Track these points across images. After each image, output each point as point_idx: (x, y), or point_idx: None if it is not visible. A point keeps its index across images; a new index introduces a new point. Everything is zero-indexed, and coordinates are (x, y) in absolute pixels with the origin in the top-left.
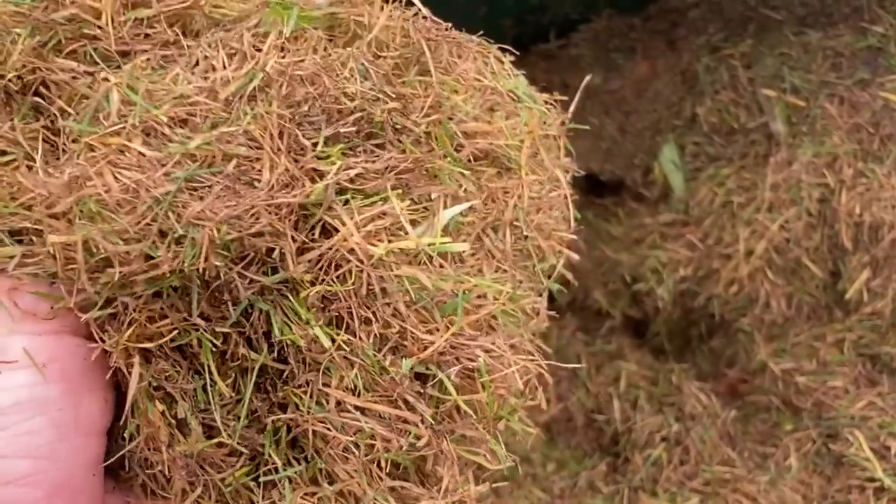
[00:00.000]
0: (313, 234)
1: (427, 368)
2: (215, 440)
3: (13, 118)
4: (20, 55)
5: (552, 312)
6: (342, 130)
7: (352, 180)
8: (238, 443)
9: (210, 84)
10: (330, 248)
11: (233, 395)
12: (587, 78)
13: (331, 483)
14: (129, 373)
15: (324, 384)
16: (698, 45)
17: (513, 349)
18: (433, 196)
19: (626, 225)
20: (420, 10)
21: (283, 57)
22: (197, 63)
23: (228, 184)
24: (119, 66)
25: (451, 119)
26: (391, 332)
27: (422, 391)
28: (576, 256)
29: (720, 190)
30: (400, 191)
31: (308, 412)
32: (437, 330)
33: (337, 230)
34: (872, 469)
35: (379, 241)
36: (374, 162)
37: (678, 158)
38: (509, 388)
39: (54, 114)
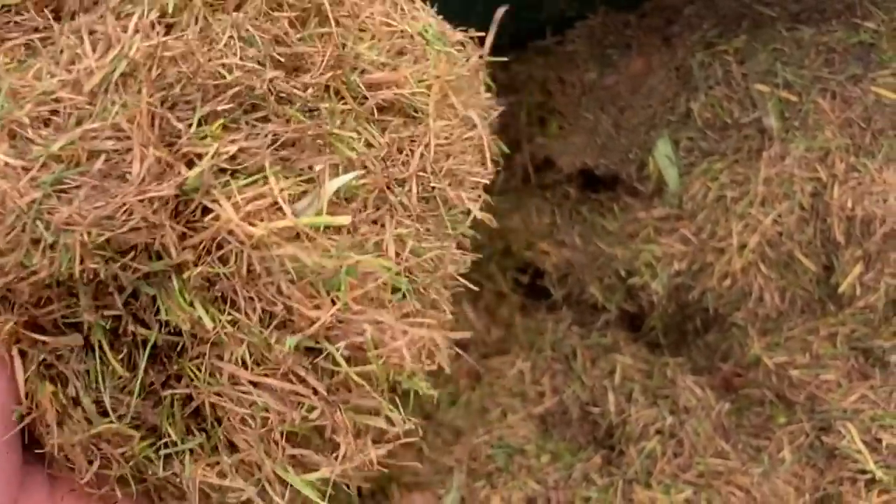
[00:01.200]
0: (194, 217)
1: (316, 343)
2: (106, 420)
3: None
4: None
5: (474, 256)
6: (220, 108)
7: (233, 157)
8: (133, 417)
9: (74, 76)
10: (209, 233)
11: (126, 372)
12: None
13: (231, 453)
14: (19, 355)
15: (216, 356)
16: (693, 42)
17: (406, 317)
18: (316, 168)
19: (621, 220)
20: None
21: (152, 37)
22: (62, 52)
23: (97, 182)
24: None
25: (354, 70)
26: (277, 310)
27: (312, 365)
28: (486, 211)
29: (714, 184)
30: (281, 166)
31: (205, 385)
32: (323, 306)
33: (216, 213)
34: (864, 461)
35: (260, 220)
36: (255, 137)
37: (672, 153)
38: (402, 357)
39: None
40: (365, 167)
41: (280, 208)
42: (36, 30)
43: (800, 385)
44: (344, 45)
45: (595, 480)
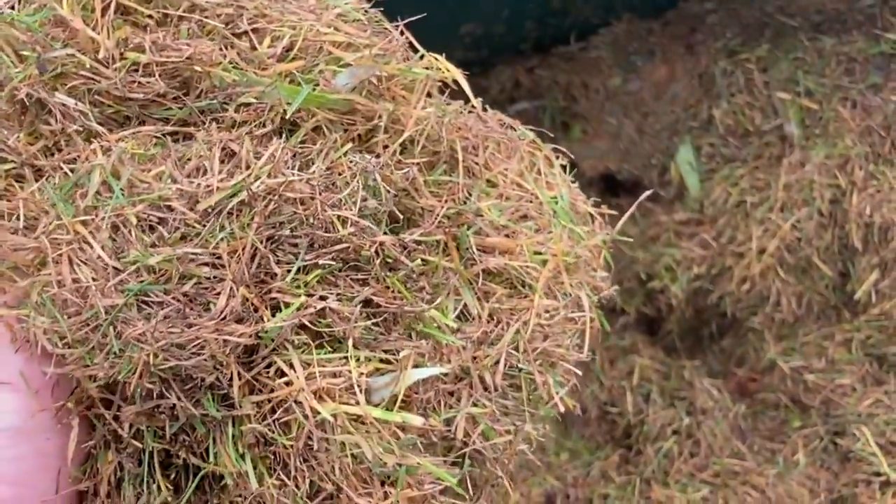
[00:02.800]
0: (267, 373)
1: None
2: None
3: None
4: (23, 82)
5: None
6: (322, 261)
7: (320, 315)
8: None
9: (193, 189)
10: (277, 395)
11: (170, 497)
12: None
13: None
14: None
15: None
16: (716, 50)
17: None
18: (402, 354)
19: (642, 224)
20: (472, 102)
21: (279, 171)
22: (189, 160)
23: (180, 306)
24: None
25: (469, 228)
26: (327, 487)
27: None
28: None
29: (734, 190)
30: (367, 337)
31: None
32: (374, 496)
33: (285, 374)
34: (878, 463)
35: (330, 397)
36: (349, 301)
37: (694, 159)
38: None
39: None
40: (452, 354)
41: (343, 393)
42: (172, 122)
43: (815, 389)
44: (467, 200)
45: (613, 478)
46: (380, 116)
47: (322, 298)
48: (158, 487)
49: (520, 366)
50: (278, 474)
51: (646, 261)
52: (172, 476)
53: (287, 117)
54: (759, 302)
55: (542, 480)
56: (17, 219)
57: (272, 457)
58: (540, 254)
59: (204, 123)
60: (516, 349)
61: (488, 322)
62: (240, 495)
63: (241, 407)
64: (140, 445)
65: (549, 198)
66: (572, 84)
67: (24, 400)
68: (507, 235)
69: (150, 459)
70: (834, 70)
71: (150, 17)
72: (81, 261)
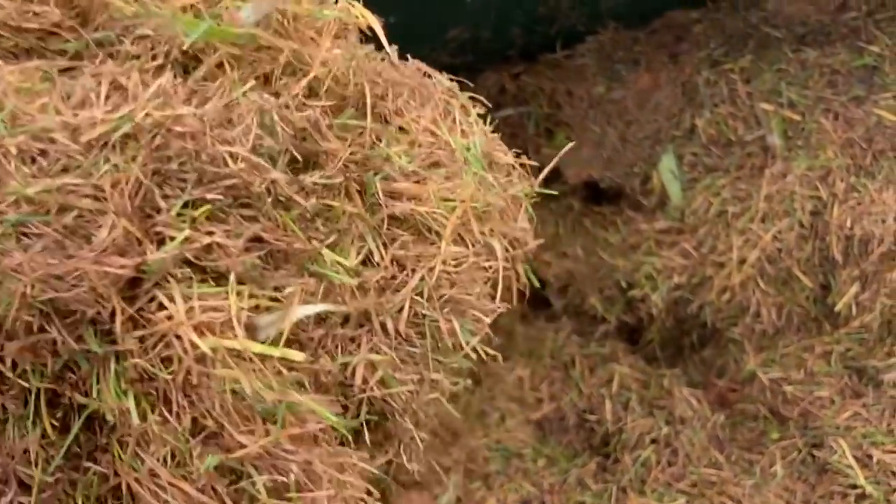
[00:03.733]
0: (148, 308)
1: (241, 465)
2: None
3: None
4: None
5: (467, 382)
6: (209, 196)
7: (206, 249)
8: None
9: (77, 121)
10: (158, 330)
11: (53, 436)
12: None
13: None
14: None
15: (141, 446)
16: (699, 60)
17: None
18: (287, 290)
19: (623, 232)
20: (386, 49)
21: (169, 104)
22: (75, 91)
23: (59, 237)
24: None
25: (377, 174)
26: (209, 423)
27: (232, 484)
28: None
29: (716, 199)
30: (254, 274)
31: (128, 467)
32: (256, 432)
33: (170, 312)
34: (855, 476)
35: (211, 331)
36: (236, 237)
37: (676, 168)
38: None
39: None
40: (351, 292)
41: (224, 328)
42: (62, 54)
43: (793, 401)
44: (375, 145)
45: (590, 486)
46: (296, 57)
47: (209, 234)
48: (44, 427)
49: (424, 312)
50: (160, 411)
51: (626, 269)
52: (60, 415)
53: (185, 50)
54: (740, 312)
55: (519, 486)
56: None
57: (154, 393)
58: (449, 200)
59: (98, 58)
60: (421, 296)
61: (393, 267)
62: (128, 434)
63: (123, 342)
64: (25, 385)
65: (462, 145)
66: (557, 91)
67: None
68: (416, 182)
69: (37, 400)
70: (817, 82)
71: None
72: None
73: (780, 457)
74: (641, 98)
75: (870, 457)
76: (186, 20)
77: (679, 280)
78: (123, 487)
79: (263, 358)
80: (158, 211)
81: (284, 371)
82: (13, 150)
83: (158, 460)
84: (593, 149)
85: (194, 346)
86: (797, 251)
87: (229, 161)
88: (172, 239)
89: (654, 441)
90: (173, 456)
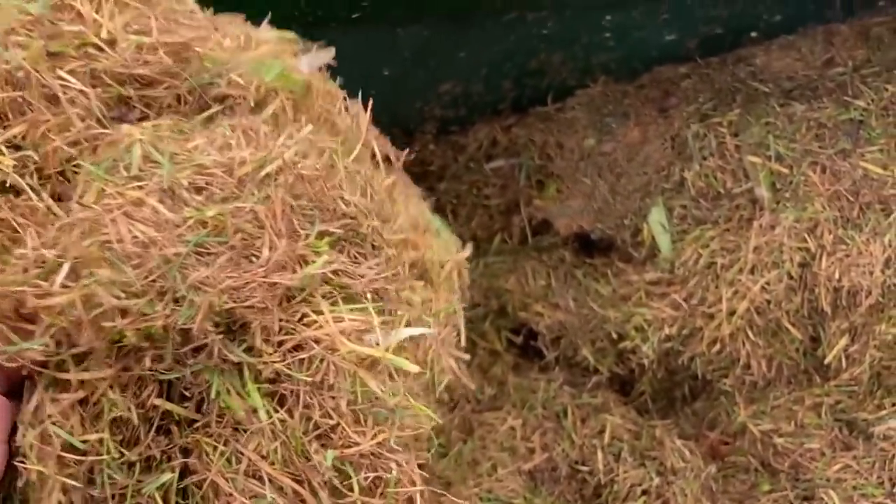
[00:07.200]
0: (294, 319)
1: (342, 464)
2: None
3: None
4: (26, 59)
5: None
6: (331, 229)
7: (335, 273)
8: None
9: (228, 160)
10: (307, 335)
11: (137, 421)
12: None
13: None
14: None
15: (242, 444)
16: (688, 113)
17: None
18: (399, 313)
19: (614, 283)
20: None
21: (294, 152)
22: (215, 139)
23: (233, 255)
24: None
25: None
26: (327, 423)
27: (332, 480)
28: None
29: (705, 251)
30: (380, 302)
31: (216, 465)
32: (365, 434)
33: (314, 319)
34: None
35: (348, 339)
36: (357, 265)
37: (666, 220)
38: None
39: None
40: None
41: (362, 334)
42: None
43: (784, 453)
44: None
45: None
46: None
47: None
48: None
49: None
50: (288, 409)
51: (617, 320)
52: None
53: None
54: (730, 364)
55: None
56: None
57: (277, 395)
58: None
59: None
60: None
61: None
62: (217, 436)
63: (269, 354)
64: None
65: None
66: (548, 143)
67: None
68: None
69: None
70: (804, 135)
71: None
72: (137, 220)
73: None
74: (631, 151)
75: None
76: (266, 62)
77: (669, 331)
78: (205, 486)
79: (390, 365)
80: (298, 238)
81: (395, 378)
82: (184, 183)
83: (259, 455)
84: (584, 201)
85: (335, 348)
86: (786, 303)
87: (341, 203)
88: (314, 261)
89: (645, 492)
90: (276, 453)
